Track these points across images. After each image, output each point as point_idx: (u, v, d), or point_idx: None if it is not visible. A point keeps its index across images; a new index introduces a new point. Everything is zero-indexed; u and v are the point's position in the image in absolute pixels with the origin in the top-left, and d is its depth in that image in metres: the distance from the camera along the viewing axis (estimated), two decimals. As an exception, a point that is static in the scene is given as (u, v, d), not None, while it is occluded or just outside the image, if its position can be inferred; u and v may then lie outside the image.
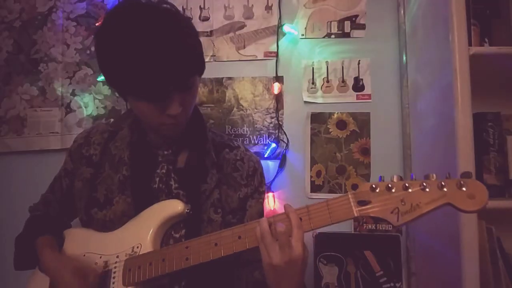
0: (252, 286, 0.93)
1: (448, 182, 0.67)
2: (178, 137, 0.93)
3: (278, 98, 1.55)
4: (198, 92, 0.92)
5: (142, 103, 0.81)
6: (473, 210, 0.66)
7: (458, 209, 0.67)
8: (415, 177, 0.71)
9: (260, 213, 1.00)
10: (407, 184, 0.70)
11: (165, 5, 0.80)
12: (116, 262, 0.87)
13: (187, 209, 0.87)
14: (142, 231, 0.87)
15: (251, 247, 0.77)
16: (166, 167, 0.94)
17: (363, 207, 0.72)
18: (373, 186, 0.72)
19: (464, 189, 0.66)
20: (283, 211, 0.78)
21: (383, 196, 0.71)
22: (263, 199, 1.02)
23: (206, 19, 1.61)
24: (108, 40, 0.78)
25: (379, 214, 0.71)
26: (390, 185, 0.71)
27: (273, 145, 1.53)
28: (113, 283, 0.84)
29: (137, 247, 0.86)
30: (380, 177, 0.74)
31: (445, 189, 0.67)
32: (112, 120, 1.59)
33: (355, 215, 0.73)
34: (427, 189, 0.68)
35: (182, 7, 1.61)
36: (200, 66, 0.86)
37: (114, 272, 0.85)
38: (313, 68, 1.55)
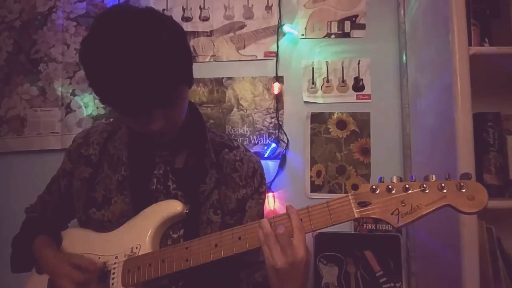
0: None
1: (448, 183, 0.68)
2: (175, 139, 0.92)
3: (278, 98, 1.55)
4: (186, 102, 0.88)
5: (124, 116, 0.82)
6: (473, 212, 0.66)
7: (458, 211, 0.67)
8: (415, 178, 0.71)
9: (260, 214, 0.99)
10: (407, 185, 0.70)
11: (148, 17, 0.76)
12: (115, 263, 0.86)
13: (187, 210, 0.87)
14: (141, 232, 0.87)
15: (251, 248, 0.77)
16: (163, 167, 0.94)
17: (364, 208, 0.72)
18: (373, 187, 0.72)
19: (463, 190, 0.66)
20: (284, 211, 0.78)
21: (383, 197, 0.71)
22: (263, 200, 1.01)
23: (206, 19, 1.61)
24: (87, 53, 0.77)
25: (380, 215, 0.71)
26: (390, 186, 0.71)
27: (273, 145, 1.53)
28: (112, 284, 0.84)
29: (136, 248, 0.86)
30: (380, 178, 0.74)
31: (445, 191, 0.67)
32: (111, 120, 1.59)
33: (356, 216, 0.73)
34: (427, 191, 0.68)
35: (182, 7, 1.61)
36: (179, 80, 0.80)
37: (113, 273, 0.85)
38: (313, 68, 1.55)
